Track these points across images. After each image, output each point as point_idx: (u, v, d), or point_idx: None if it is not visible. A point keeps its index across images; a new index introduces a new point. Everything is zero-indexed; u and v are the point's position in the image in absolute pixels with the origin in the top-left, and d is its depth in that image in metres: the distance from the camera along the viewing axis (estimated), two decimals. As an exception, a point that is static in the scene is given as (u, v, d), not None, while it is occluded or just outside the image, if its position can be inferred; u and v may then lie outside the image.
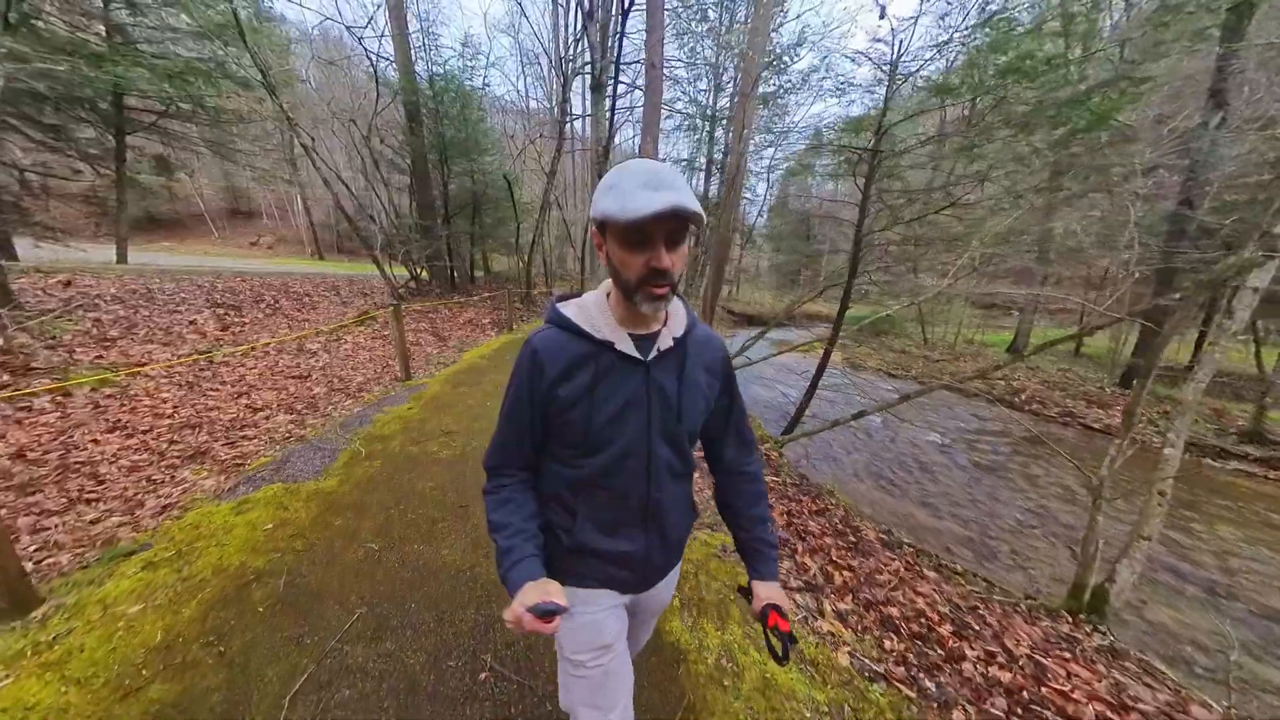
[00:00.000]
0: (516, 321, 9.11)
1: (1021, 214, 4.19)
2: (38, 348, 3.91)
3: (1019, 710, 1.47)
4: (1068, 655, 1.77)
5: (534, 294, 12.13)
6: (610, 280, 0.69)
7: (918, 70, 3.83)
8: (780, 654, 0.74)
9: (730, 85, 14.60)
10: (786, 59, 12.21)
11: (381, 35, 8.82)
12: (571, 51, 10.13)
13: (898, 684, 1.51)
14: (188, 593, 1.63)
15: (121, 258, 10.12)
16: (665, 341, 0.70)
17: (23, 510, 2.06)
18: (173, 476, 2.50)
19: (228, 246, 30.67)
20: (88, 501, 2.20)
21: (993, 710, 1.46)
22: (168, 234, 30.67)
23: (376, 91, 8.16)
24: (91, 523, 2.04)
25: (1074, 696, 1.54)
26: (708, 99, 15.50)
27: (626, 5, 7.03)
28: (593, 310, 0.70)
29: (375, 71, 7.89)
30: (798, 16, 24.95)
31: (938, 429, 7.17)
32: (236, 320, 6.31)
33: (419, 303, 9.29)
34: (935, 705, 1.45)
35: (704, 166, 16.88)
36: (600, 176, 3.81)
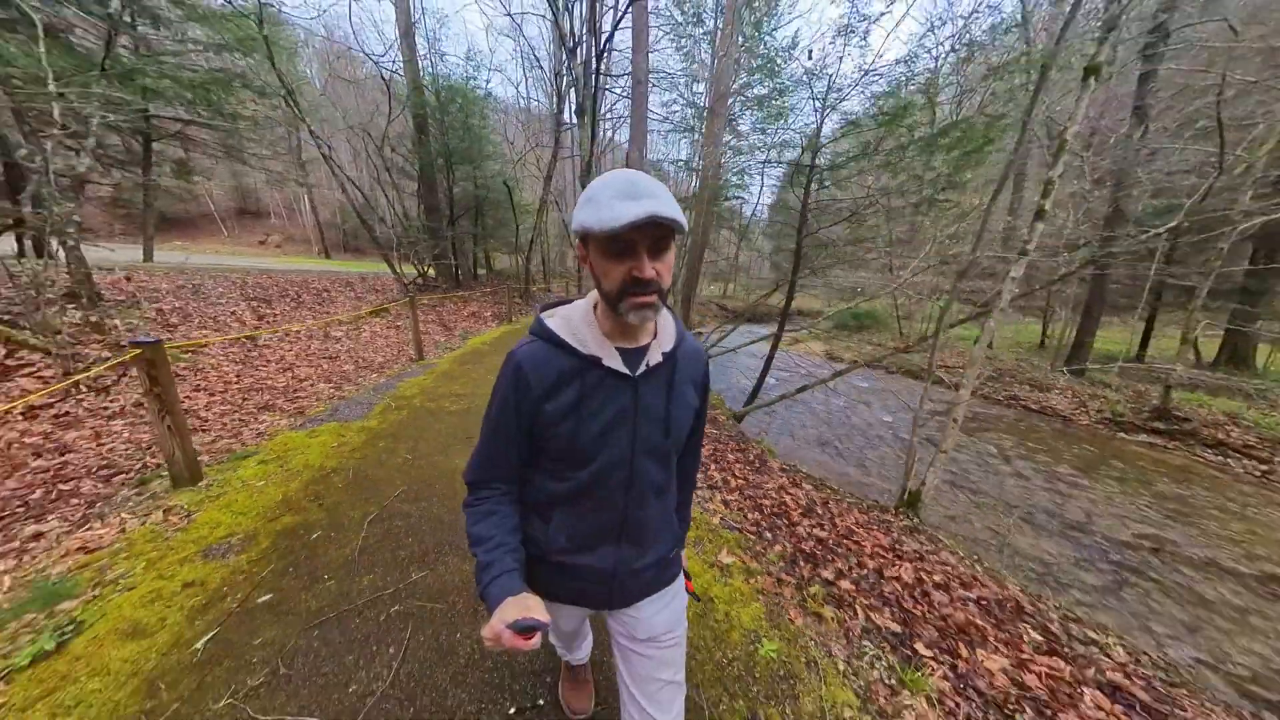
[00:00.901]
0: (515, 314, 9.99)
1: (950, 221, 5.00)
2: (123, 330, 4.80)
3: (821, 547, 2.32)
4: (875, 528, 2.61)
5: (532, 290, 13.01)
6: (596, 292, 0.67)
7: (840, 102, 4.65)
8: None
9: (730, 85, 15.32)
10: (780, 61, 12.95)
11: (392, 50, 9.68)
12: (566, 65, 10.95)
13: (746, 533, 2.36)
14: (290, 476, 2.50)
15: (148, 256, 11.04)
16: (655, 356, 0.69)
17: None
18: (255, 419, 3.38)
19: (237, 245, 31.54)
20: (203, 431, 3.08)
21: (802, 547, 2.31)
22: (179, 233, 31.63)
23: (389, 106, 9.04)
24: (211, 442, 2.91)
25: (862, 544, 2.39)
26: (705, 100, 16.23)
27: (615, 20, 7.86)
28: (579, 323, 0.68)
29: (389, 90, 8.76)
30: (788, 22, 25.62)
31: (891, 410, 8.00)
32: (268, 312, 7.20)
33: (426, 297, 10.16)
34: (765, 541, 2.30)
35: (700, 167, 17.67)
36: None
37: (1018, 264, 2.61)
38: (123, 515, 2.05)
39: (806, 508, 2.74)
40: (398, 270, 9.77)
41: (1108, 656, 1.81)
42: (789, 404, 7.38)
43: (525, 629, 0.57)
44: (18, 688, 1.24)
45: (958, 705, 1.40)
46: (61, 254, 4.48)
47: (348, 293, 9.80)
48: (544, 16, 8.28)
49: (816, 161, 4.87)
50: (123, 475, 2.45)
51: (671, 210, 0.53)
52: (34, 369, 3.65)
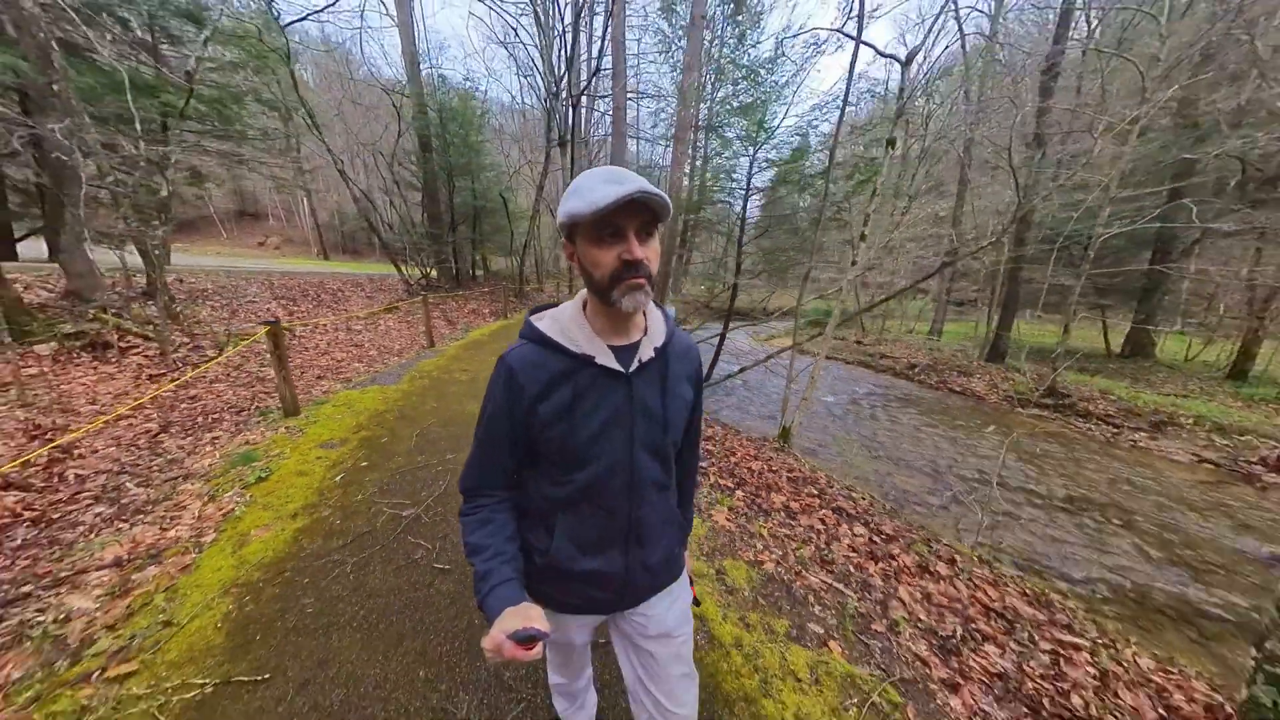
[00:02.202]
0: (510, 311, 11.20)
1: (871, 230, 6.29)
2: (193, 321, 5.97)
3: (709, 456, 3.56)
4: (752, 448, 3.86)
5: (527, 289, 14.22)
6: (585, 291, 0.67)
7: (768, 140, 5.91)
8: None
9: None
10: (763, 71, 14.23)
11: (398, 72, 10.86)
12: (557, 87, 12.17)
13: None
14: (357, 414, 3.71)
15: (166, 259, 12.14)
16: (646, 352, 0.69)
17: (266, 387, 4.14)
18: (316, 384, 4.58)
19: (236, 247, 32.28)
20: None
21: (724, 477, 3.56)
22: (180, 235, 32.43)
23: (399, 127, 10.22)
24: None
25: (734, 453, 3.64)
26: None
27: (591, 73, 9.08)
28: (569, 323, 0.68)
29: (399, 114, 9.95)
30: (773, 36, 26.91)
31: (838, 394, 9.27)
32: (295, 309, 8.37)
33: (431, 296, 11.35)
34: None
35: (687, 174, 19.05)
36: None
37: (851, 271, 3.85)
38: (261, 430, 3.26)
39: (709, 437, 3.98)
40: (404, 272, 10.95)
41: (851, 499, 3.06)
42: (746, 388, 8.66)
43: (526, 639, 0.57)
44: (258, 490, 2.45)
45: (743, 510, 2.65)
46: (130, 260, 5.64)
47: (359, 293, 10.98)
48: (534, 45, 9.45)
49: (750, 185, 6.15)
50: (245, 411, 3.66)
51: (656, 190, 0.55)
52: (140, 349, 4.83)
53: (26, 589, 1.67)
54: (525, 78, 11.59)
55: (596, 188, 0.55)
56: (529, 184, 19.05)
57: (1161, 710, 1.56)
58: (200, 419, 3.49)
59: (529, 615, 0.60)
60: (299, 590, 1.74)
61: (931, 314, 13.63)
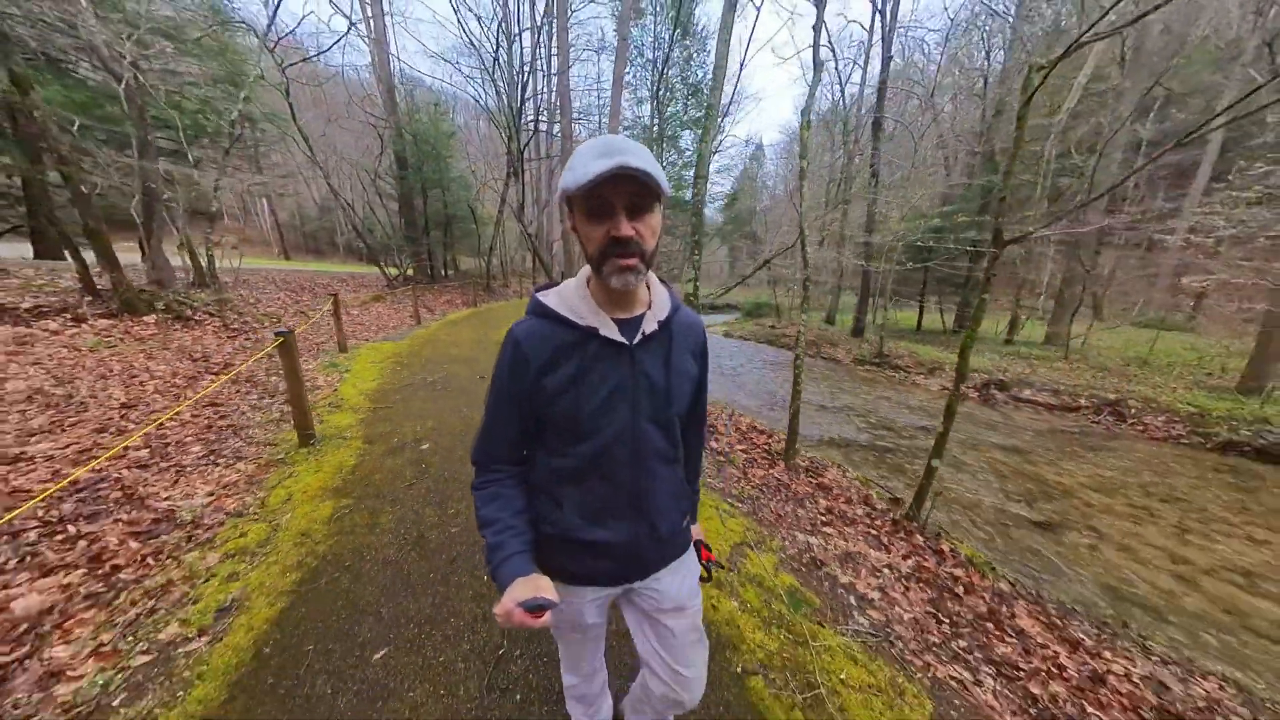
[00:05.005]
0: (479, 302, 13.39)
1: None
2: (238, 304, 7.93)
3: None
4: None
5: (493, 285, 16.39)
6: (589, 265, 0.68)
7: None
8: (707, 576, 0.92)
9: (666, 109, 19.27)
10: (704, 90, 16.97)
11: (376, 98, 12.83)
12: (517, 118, 14.44)
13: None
14: (383, 353, 5.98)
15: (152, 256, 13.56)
16: (650, 325, 0.70)
17: (313, 341, 6.32)
18: (347, 340, 6.77)
19: (178, 247, 32.03)
20: (322, 346, 6.46)
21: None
22: (133, 232, 31.96)
23: (380, 147, 12.23)
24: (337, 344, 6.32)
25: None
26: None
27: (532, 136, 11.42)
28: (573, 296, 0.69)
29: (382, 139, 11.98)
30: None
31: (746, 360, 12.00)
32: (301, 298, 10.31)
33: (412, 288, 13.39)
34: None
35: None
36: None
37: (706, 268, 6.43)
38: (328, 357, 5.49)
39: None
40: (384, 270, 12.93)
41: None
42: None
43: (535, 607, 0.61)
44: (350, 376, 4.76)
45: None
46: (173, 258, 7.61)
47: (344, 287, 12.88)
48: (497, 93, 11.70)
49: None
50: (312, 352, 5.84)
51: (642, 162, 0.54)
52: (206, 322, 6.86)
53: (284, 397, 3.95)
54: (486, 112, 13.67)
55: (587, 162, 0.55)
56: (495, 193, 21.15)
57: (862, 505, 4.09)
58: (285, 355, 5.66)
59: (538, 585, 0.64)
60: (391, 401, 4.10)
61: (833, 303, 16.86)
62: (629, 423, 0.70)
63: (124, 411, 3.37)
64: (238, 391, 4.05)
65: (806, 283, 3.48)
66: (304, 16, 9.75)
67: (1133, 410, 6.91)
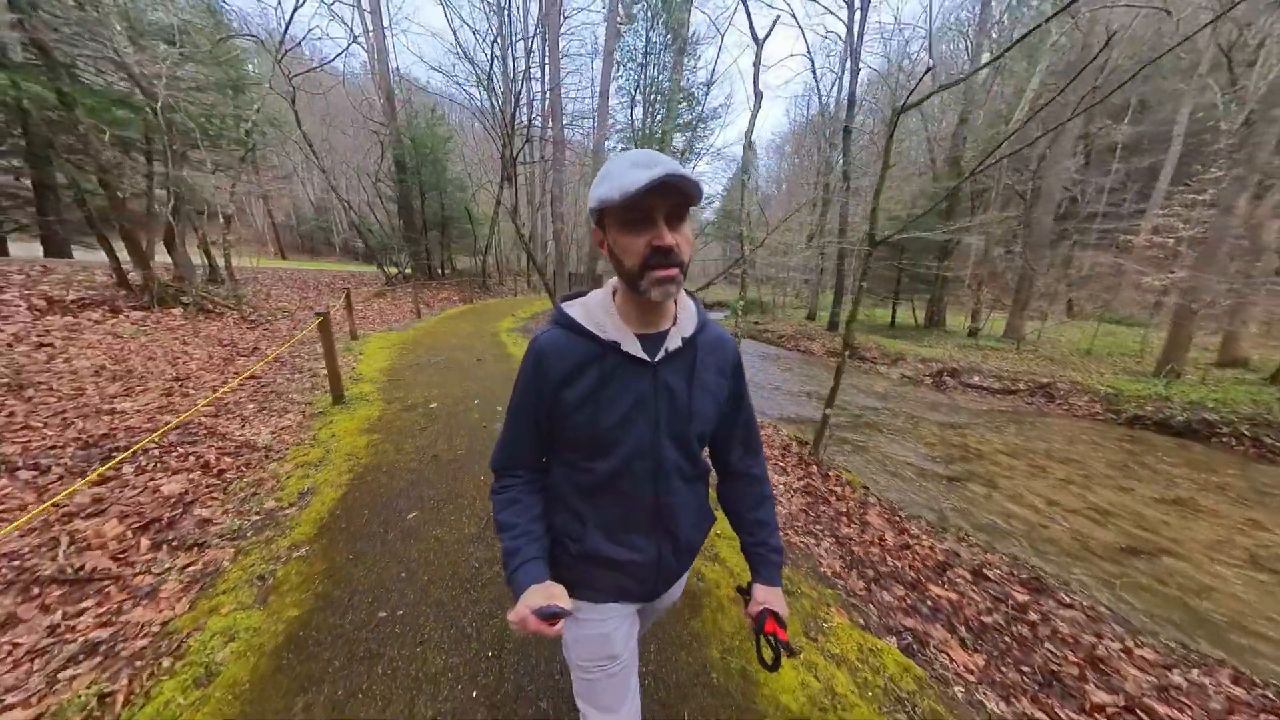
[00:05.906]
0: (475, 299, 14.11)
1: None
2: (250, 298, 8.62)
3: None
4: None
5: (489, 283, 17.11)
6: (615, 279, 0.69)
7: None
8: (771, 662, 0.76)
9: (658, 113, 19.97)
10: (696, 94, 17.55)
11: (376, 107, 13.48)
12: (510, 127, 15.13)
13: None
14: (391, 342, 6.71)
15: (152, 255, 14.21)
16: (674, 341, 0.70)
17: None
18: (357, 329, 7.48)
19: (188, 246, 32.53)
20: (335, 334, 7.18)
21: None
22: (146, 234, 32.30)
23: (381, 152, 12.91)
24: (347, 333, 7.04)
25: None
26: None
27: (524, 145, 12.12)
28: (598, 310, 0.70)
29: (382, 144, 12.66)
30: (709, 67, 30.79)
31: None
32: (308, 294, 11.00)
33: (412, 286, 14.09)
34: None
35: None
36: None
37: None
38: (342, 344, 6.22)
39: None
40: (384, 268, 13.61)
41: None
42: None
43: (549, 615, 0.61)
44: (364, 357, 5.49)
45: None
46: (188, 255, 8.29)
47: (346, 285, 13.58)
48: (491, 104, 12.41)
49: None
50: (327, 340, 6.56)
51: (684, 172, 0.55)
52: (226, 315, 7.56)
53: (311, 373, 4.68)
54: (483, 118, 14.34)
55: (626, 172, 0.55)
56: (490, 194, 21.82)
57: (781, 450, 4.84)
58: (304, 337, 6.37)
59: (552, 593, 0.64)
60: (402, 376, 4.84)
61: (814, 300, 17.71)
62: (649, 439, 0.70)
63: (179, 383, 4.10)
64: (270, 369, 4.78)
65: (744, 279, 4.23)
66: (309, 30, 10.43)
67: (1061, 392, 7.74)
